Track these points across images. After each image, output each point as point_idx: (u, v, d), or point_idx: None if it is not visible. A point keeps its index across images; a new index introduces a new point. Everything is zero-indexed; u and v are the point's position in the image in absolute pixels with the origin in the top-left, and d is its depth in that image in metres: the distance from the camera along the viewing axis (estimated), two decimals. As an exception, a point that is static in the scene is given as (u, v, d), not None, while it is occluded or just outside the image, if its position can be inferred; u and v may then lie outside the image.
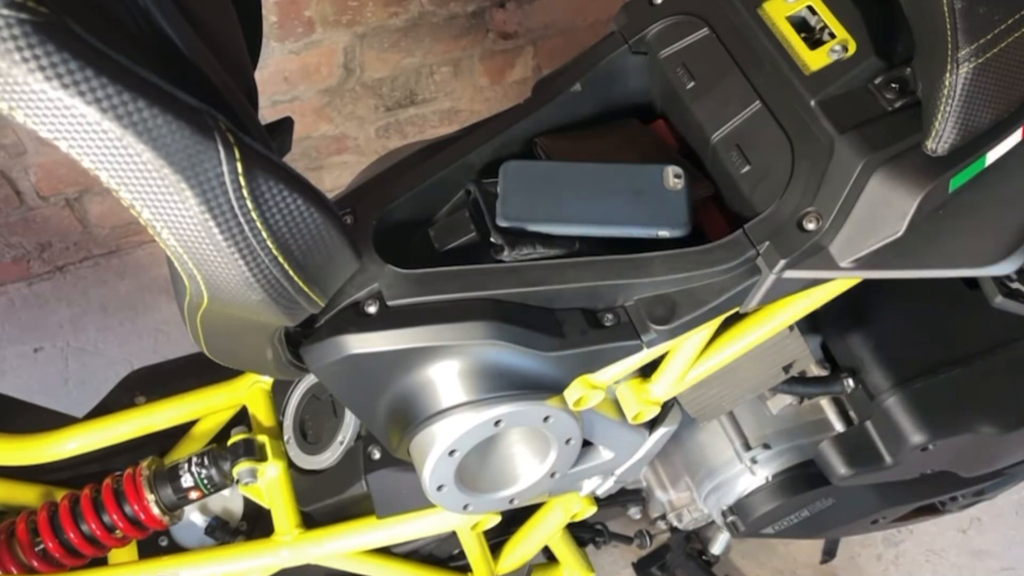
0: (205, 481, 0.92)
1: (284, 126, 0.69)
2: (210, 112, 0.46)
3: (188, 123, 0.46)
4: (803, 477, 1.04)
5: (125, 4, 0.46)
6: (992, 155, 0.67)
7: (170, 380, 1.05)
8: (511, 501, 0.85)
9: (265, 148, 0.50)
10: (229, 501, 1.06)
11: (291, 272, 0.56)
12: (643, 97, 0.84)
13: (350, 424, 0.94)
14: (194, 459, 0.92)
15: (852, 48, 0.71)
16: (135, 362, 1.71)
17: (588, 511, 1.01)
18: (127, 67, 0.43)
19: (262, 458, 0.94)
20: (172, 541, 1.06)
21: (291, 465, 0.97)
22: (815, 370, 0.98)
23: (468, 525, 0.97)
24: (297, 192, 0.52)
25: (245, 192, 0.49)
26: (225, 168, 0.48)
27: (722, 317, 0.76)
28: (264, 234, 0.52)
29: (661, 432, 0.90)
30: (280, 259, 0.55)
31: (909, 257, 0.69)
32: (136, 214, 0.50)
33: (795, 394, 1.00)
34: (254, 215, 0.51)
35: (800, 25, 0.74)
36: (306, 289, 0.59)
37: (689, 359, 0.80)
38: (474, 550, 1.02)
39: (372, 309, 0.69)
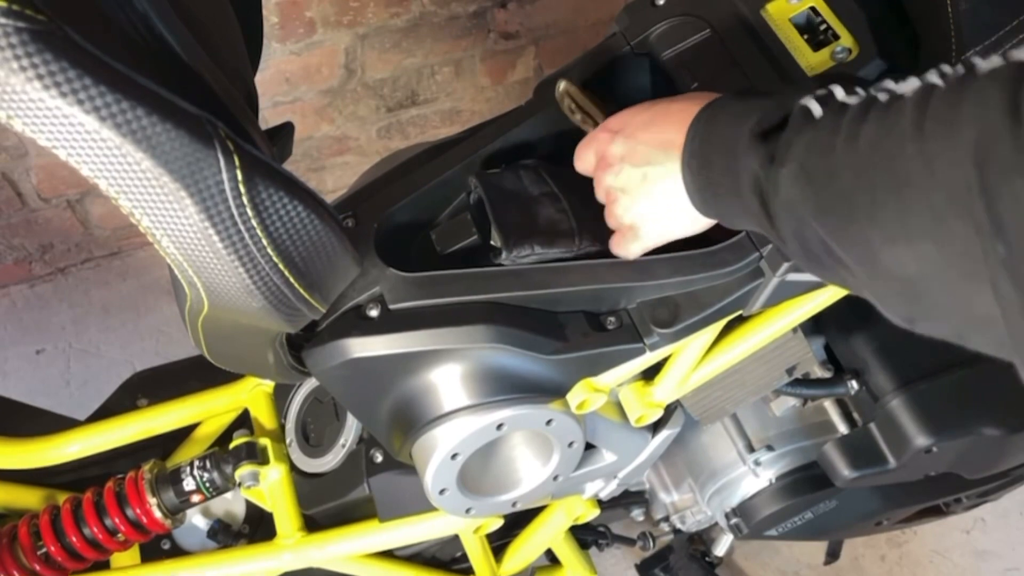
0: (207, 484, 0.92)
1: (285, 131, 0.69)
2: (209, 119, 0.46)
3: (187, 130, 0.45)
4: (807, 479, 1.04)
5: (123, 10, 0.46)
6: (997, 157, 0.66)
7: (172, 383, 1.05)
8: (514, 504, 0.85)
9: (265, 154, 0.50)
10: (231, 504, 1.06)
11: (292, 279, 0.56)
12: (645, 99, 0.83)
13: (352, 427, 0.94)
14: (196, 462, 0.92)
15: (855, 50, 0.70)
16: (137, 363, 1.71)
17: (591, 514, 1.01)
18: (126, 74, 0.43)
19: (264, 461, 0.94)
20: (174, 544, 1.05)
21: (293, 468, 0.97)
22: (818, 372, 0.98)
23: (471, 528, 0.97)
24: (298, 199, 0.52)
25: (245, 199, 0.49)
26: (225, 175, 0.47)
27: (725, 320, 0.76)
28: (264, 241, 0.52)
29: (664, 435, 0.90)
30: (281, 266, 0.54)
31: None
32: (136, 222, 0.49)
33: (798, 396, 1.00)
34: (254, 222, 0.50)
35: (803, 26, 0.74)
36: (307, 296, 0.59)
37: (692, 362, 0.80)
38: (477, 553, 1.02)
39: (374, 313, 0.69)
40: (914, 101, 0.43)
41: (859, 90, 0.49)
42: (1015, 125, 0.36)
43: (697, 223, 0.65)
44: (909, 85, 0.45)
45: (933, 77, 0.44)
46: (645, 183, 0.64)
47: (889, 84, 0.47)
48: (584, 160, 0.72)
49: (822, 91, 0.51)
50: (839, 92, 0.50)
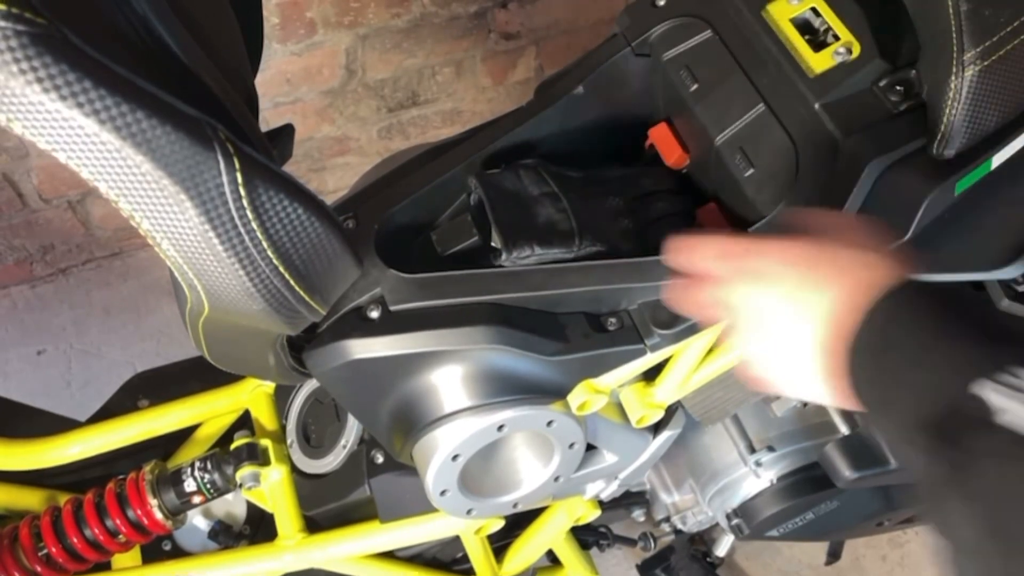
0: (208, 485, 0.92)
1: (285, 133, 0.68)
2: (209, 122, 0.46)
3: (187, 133, 0.45)
4: (808, 480, 1.04)
5: (123, 12, 0.46)
6: (998, 158, 0.66)
7: (173, 383, 1.05)
8: (515, 505, 0.85)
9: (265, 156, 0.50)
10: (232, 505, 1.06)
11: (292, 282, 0.56)
12: (646, 100, 0.83)
13: (353, 428, 0.94)
14: (197, 463, 0.92)
15: (856, 50, 0.70)
16: (138, 364, 1.71)
17: (592, 514, 1.01)
18: (126, 77, 0.43)
19: (265, 462, 0.94)
20: (175, 545, 1.05)
21: (294, 469, 0.97)
22: (820, 372, 0.97)
23: (472, 529, 0.97)
24: (298, 201, 0.52)
25: (245, 202, 0.49)
26: (225, 178, 0.47)
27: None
28: (265, 244, 0.52)
29: (665, 436, 0.89)
30: (281, 269, 0.54)
31: (914, 261, 0.69)
32: (136, 224, 0.49)
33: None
34: (254, 225, 0.50)
35: (804, 27, 0.74)
36: (307, 298, 0.58)
37: (693, 363, 0.80)
38: (478, 554, 1.02)
39: (375, 314, 0.69)
40: None
41: None
42: None
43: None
44: None
45: None
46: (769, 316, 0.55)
47: None
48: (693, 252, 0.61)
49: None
50: None
